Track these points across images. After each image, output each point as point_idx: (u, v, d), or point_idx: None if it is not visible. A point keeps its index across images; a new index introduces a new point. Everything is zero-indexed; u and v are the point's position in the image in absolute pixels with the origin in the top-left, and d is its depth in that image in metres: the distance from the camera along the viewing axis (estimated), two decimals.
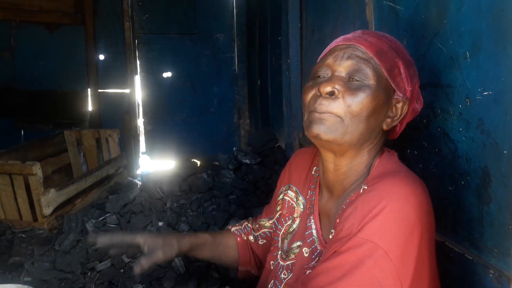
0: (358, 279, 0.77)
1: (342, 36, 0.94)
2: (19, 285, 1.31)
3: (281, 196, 1.17)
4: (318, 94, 0.87)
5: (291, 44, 2.50)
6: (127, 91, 4.82)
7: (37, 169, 2.27)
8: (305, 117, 0.91)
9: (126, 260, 1.58)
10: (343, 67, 0.88)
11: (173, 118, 4.96)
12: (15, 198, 2.32)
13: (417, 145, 1.12)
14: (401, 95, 0.90)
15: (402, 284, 0.77)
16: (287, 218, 1.11)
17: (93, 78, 4.92)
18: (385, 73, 0.88)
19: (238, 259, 1.27)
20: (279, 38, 2.90)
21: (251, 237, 1.28)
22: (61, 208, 2.32)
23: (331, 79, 0.88)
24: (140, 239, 1.10)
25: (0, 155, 2.65)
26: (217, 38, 4.98)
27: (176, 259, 1.48)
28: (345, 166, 0.93)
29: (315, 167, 1.09)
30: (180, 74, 4.96)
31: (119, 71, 4.81)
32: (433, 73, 1.02)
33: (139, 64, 4.87)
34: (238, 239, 1.28)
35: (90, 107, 4.96)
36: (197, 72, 4.96)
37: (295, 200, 1.11)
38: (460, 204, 0.94)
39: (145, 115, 4.96)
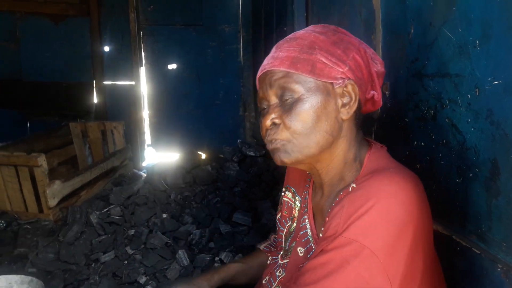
0: (343, 279, 0.77)
1: (262, 65, 0.96)
2: (23, 275, 1.31)
3: (282, 198, 1.19)
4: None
5: None
6: (132, 83, 4.81)
7: (42, 161, 2.27)
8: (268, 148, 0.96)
9: (130, 251, 1.58)
10: (272, 96, 0.92)
11: (179, 110, 4.94)
12: (21, 190, 2.33)
13: (423, 137, 1.09)
14: (340, 81, 0.88)
15: (392, 282, 0.76)
16: (287, 219, 1.12)
17: (98, 70, 4.92)
18: (309, 76, 0.87)
19: None
20: (285, 28, 2.86)
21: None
22: (66, 200, 2.33)
23: (268, 111, 0.92)
24: None
25: (6, 147, 2.67)
26: (223, 29, 4.93)
27: (179, 251, 1.47)
28: (325, 168, 0.95)
29: None
30: (185, 65, 4.93)
31: (124, 63, 4.80)
32: (441, 62, 0.99)
33: (144, 56, 4.85)
34: (269, 254, 1.27)
35: (95, 99, 4.97)
36: (203, 63, 4.92)
37: (293, 200, 1.12)
38: (467, 197, 0.91)
39: (150, 107, 4.95)
